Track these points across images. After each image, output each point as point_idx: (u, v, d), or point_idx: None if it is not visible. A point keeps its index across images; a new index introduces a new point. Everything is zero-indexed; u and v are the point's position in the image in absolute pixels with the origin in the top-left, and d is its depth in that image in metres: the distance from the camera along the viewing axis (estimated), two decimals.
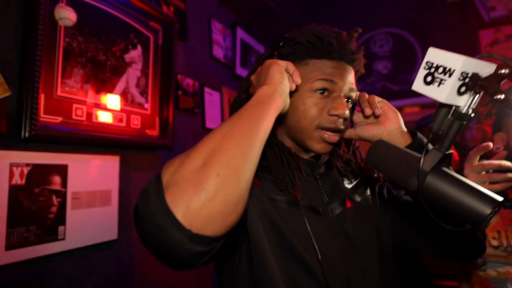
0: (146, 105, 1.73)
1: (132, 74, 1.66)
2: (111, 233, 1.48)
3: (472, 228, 0.78)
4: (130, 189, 1.61)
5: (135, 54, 1.68)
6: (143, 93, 1.72)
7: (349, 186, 0.88)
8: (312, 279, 0.70)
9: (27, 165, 1.20)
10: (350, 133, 0.83)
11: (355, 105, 0.86)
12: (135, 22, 1.69)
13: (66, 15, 1.33)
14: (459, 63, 0.50)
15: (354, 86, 0.79)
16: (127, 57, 1.64)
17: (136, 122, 1.66)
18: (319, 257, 0.71)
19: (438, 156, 0.55)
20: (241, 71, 2.80)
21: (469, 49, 3.17)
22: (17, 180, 1.17)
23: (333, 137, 0.77)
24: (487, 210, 0.50)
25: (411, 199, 0.90)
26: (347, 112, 0.76)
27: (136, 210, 0.51)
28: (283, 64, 0.69)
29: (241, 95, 0.85)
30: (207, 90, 2.32)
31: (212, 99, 2.38)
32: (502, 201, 0.51)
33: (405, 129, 0.79)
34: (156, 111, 1.78)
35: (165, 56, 1.84)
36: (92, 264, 1.40)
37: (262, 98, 0.60)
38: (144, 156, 1.73)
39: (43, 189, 1.24)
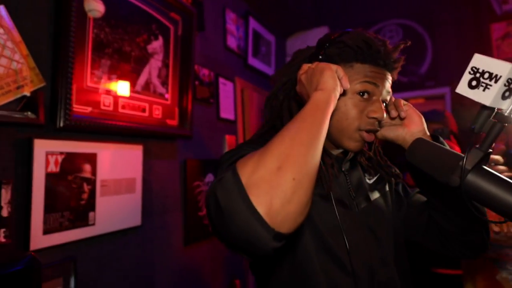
0: (166, 96, 1.76)
1: (154, 64, 1.69)
2: (135, 219, 1.54)
3: (483, 221, 0.83)
4: (151, 178, 1.66)
5: (157, 45, 1.70)
6: (164, 83, 1.75)
7: (370, 182, 0.94)
8: (340, 268, 0.77)
9: (61, 153, 1.24)
10: (376, 134, 0.87)
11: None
12: (157, 13, 1.71)
13: (95, 7, 1.35)
14: (507, 70, 0.53)
15: (390, 92, 0.83)
16: (150, 48, 1.66)
17: (157, 112, 1.69)
18: (347, 248, 0.77)
19: (479, 155, 0.59)
20: (252, 61, 2.82)
21: (479, 42, 3.17)
22: (52, 168, 1.21)
23: (371, 137, 0.81)
24: None
25: (423, 197, 0.94)
26: (384, 115, 0.80)
27: (217, 204, 0.55)
28: (333, 68, 0.71)
29: (278, 89, 0.88)
30: (221, 80, 2.35)
31: (226, 89, 2.41)
32: None
33: (427, 133, 0.83)
34: (175, 101, 1.82)
35: (184, 46, 1.87)
36: (118, 248, 1.46)
37: (320, 103, 0.64)
38: (164, 145, 1.77)
39: (75, 176, 1.29)
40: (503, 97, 0.56)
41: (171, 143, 1.82)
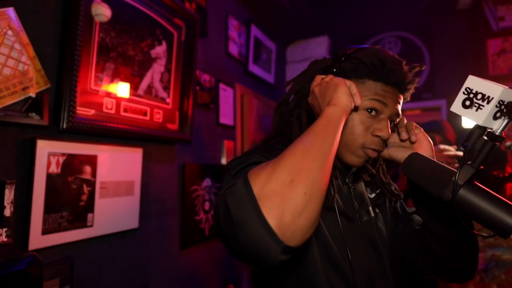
0: (168, 100, 1.79)
1: (157, 69, 1.72)
2: (133, 222, 1.55)
3: (473, 248, 0.85)
4: (150, 181, 1.68)
5: (160, 50, 1.73)
6: (166, 88, 1.78)
7: (372, 196, 0.96)
8: (342, 278, 0.78)
9: (63, 154, 1.26)
10: (383, 152, 0.87)
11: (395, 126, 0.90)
12: (162, 19, 1.74)
13: (102, 11, 1.38)
14: (498, 92, 0.56)
15: (399, 112, 0.84)
16: (153, 52, 1.69)
17: (158, 116, 1.72)
18: (350, 259, 0.79)
19: (471, 171, 0.62)
20: (253, 68, 2.85)
21: (476, 57, 3.24)
22: (54, 168, 1.23)
23: (374, 154, 0.82)
24: None
25: (420, 218, 0.95)
26: (390, 135, 0.80)
27: (227, 213, 0.56)
28: (347, 83, 0.73)
29: (290, 97, 0.90)
30: (222, 86, 2.38)
31: (226, 95, 2.43)
32: None
33: (434, 158, 0.84)
34: (176, 106, 1.84)
35: (186, 52, 1.90)
36: (115, 250, 1.48)
37: (332, 119, 0.66)
38: (164, 149, 1.79)
39: (75, 178, 1.31)
40: (495, 118, 0.59)
41: (171, 146, 1.84)
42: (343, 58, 0.82)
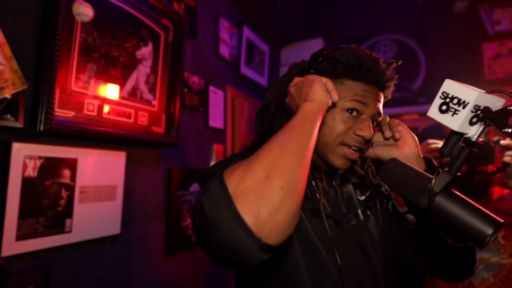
0: (153, 102, 1.75)
1: (142, 71, 1.68)
2: (114, 227, 1.51)
3: (471, 248, 0.83)
4: (134, 185, 1.64)
5: (146, 51, 1.70)
6: (152, 90, 1.74)
7: (361, 198, 0.94)
8: (332, 284, 0.76)
9: (40, 158, 1.22)
10: (368, 152, 0.86)
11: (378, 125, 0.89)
12: (148, 19, 1.70)
13: (84, 11, 1.34)
14: (473, 97, 0.53)
15: (381, 111, 0.83)
16: (138, 53, 1.66)
17: (143, 119, 1.68)
18: (339, 264, 0.77)
19: (447, 178, 0.59)
20: (245, 70, 2.82)
21: (472, 61, 3.21)
22: (30, 172, 1.19)
23: (354, 155, 0.81)
24: (489, 230, 0.54)
25: (413, 218, 0.94)
26: (372, 134, 0.79)
27: (202, 214, 0.54)
28: (323, 80, 0.72)
29: (271, 101, 0.88)
30: (212, 88, 2.35)
31: (216, 98, 2.40)
32: (502, 222, 0.56)
33: (421, 155, 0.83)
34: (163, 109, 1.81)
35: (174, 53, 1.86)
36: (95, 257, 1.44)
37: (308, 114, 0.64)
38: (149, 153, 1.75)
39: (53, 182, 1.27)
40: (471, 123, 0.56)
41: (156, 150, 1.80)
42: (320, 59, 0.81)
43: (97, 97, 1.44)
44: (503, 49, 3.04)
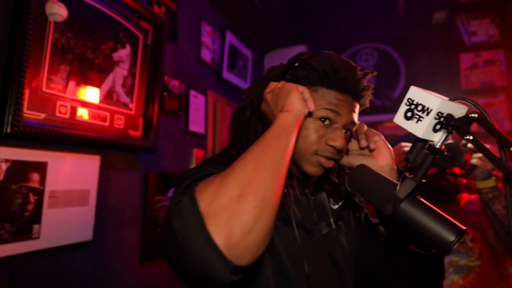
0: (130, 105, 1.72)
1: (119, 73, 1.65)
2: (86, 234, 1.47)
3: (438, 261, 0.84)
4: (108, 190, 1.60)
5: (123, 53, 1.67)
6: (129, 93, 1.71)
7: (335, 207, 0.92)
8: None
9: (6, 161, 1.18)
10: (343, 160, 0.85)
11: (352, 134, 0.88)
12: (126, 21, 1.68)
13: (57, 11, 1.31)
14: (436, 104, 0.53)
15: (355, 120, 0.81)
16: (115, 56, 1.62)
17: (119, 122, 1.65)
18: (307, 274, 0.75)
19: (412, 185, 0.59)
20: (227, 75, 2.81)
21: (450, 70, 3.29)
22: None
23: (329, 163, 0.79)
24: (452, 237, 0.54)
25: (384, 230, 0.93)
26: (343, 145, 0.78)
27: (171, 232, 0.52)
28: (300, 89, 0.70)
29: (246, 105, 0.86)
30: (192, 92, 2.32)
31: (197, 102, 2.38)
32: (464, 230, 0.56)
33: (395, 167, 0.82)
34: (140, 112, 1.77)
35: (153, 56, 1.84)
36: (65, 265, 1.38)
37: (285, 126, 0.63)
38: (125, 157, 1.72)
39: (20, 186, 1.22)
40: (434, 130, 0.56)
41: (133, 154, 1.76)
42: (296, 64, 0.80)
43: (70, 99, 1.40)
44: (479, 60, 3.13)
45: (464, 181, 1.54)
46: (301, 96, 0.69)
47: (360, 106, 0.85)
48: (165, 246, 0.56)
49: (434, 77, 3.41)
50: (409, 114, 0.58)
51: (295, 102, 0.67)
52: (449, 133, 0.55)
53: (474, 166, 1.33)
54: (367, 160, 0.82)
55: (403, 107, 0.59)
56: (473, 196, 1.57)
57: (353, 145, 0.86)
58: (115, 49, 1.62)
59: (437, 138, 0.57)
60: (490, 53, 3.10)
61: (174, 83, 2.12)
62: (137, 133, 1.75)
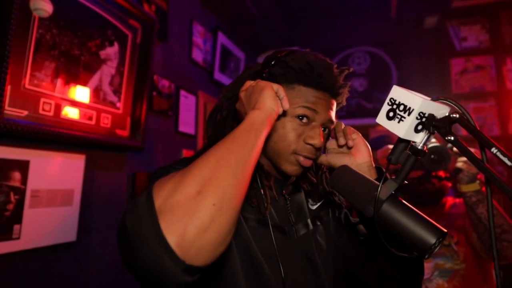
0: (118, 104, 1.69)
1: (107, 71, 1.62)
2: (69, 234, 1.43)
3: (418, 261, 0.83)
4: (94, 190, 1.57)
5: (111, 51, 1.64)
6: (116, 91, 1.68)
7: (313, 208, 0.91)
8: None
9: None
10: (321, 159, 0.85)
11: (330, 132, 0.88)
12: (114, 19, 1.65)
13: (42, 6, 1.28)
14: (418, 104, 0.52)
15: (333, 118, 0.81)
16: (103, 53, 1.60)
17: (106, 121, 1.62)
18: (283, 277, 0.73)
19: (394, 186, 0.57)
20: (219, 76, 2.80)
21: (440, 75, 3.32)
22: None
23: (307, 162, 0.79)
24: (433, 239, 0.53)
25: (364, 229, 0.92)
26: (322, 143, 0.78)
27: (124, 231, 0.49)
28: (274, 87, 0.69)
29: (223, 104, 0.85)
30: (183, 93, 2.30)
31: (187, 103, 2.36)
32: (446, 232, 0.55)
33: (373, 164, 0.82)
34: (128, 111, 1.75)
35: (142, 55, 1.82)
36: (47, 266, 1.35)
37: (254, 123, 0.61)
38: (112, 157, 1.69)
39: (1, 185, 1.19)
40: (416, 130, 0.55)
41: (120, 154, 1.74)
42: (272, 62, 0.79)
43: (54, 97, 1.38)
44: (469, 65, 3.16)
45: (449, 184, 1.55)
46: (274, 94, 0.68)
47: (337, 104, 0.85)
48: (119, 247, 0.52)
49: (425, 81, 3.43)
50: (391, 114, 0.57)
51: (267, 100, 0.66)
52: (430, 133, 0.54)
53: (459, 170, 1.33)
54: (345, 158, 0.82)
55: (385, 107, 0.58)
56: (457, 200, 1.57)
57: (331, 143, 0.86)
58: (103, 46, 1.60)
59: (419, 139, 0.56)
60: (480, 59, 3.12)
61: (164, 83, 2.10)
62: (124, 133, 1.72)
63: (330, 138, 0.87)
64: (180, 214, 0.47)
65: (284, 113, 0.74)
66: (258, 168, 0.81)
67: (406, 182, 0.59)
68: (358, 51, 3.85)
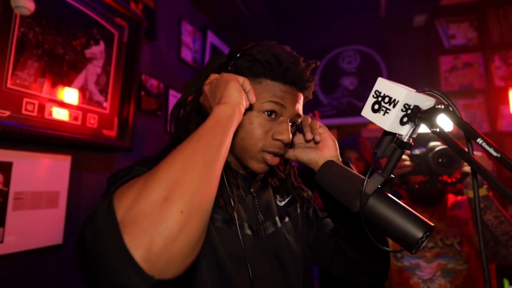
0: (105, 104, 1.66)
1: (92, 70, 1.59)
2: (56, 237, 1.40)
3: (385, 252, 0.82)
4: (80, 192, 1.54)
5: (96, 50, 1.62)
6: (103, 91, 1.65)
7: (281, 204, 0.89)
8: None
9: None
10: (289, 154, 0.83)
11: (298, 128, 0.87)
12: (99, 17, 1.63)
13: (23, 4, 1.25)
14: (403, 95, 0.51)
15: (300, 113, 0.80)
16: (88, 52, 1.57)
17: (92, 121, 1.59)
18: (251, 277, 0.72)
19: (380, 180, 0.56)
20: None
21: (430, 73, 3.34)
22: None
23: (275, 160, 0.77)
24: (420, 233, 0.52)
25: (331, 223, 0.91)
26: (290, 138, 0.76)
27: (82, 246, 0.45)
28: (240, 80, 0.67)
29: (186, 98, 0.81)
30: (172, 92, 2.28)
31: None
32: (433, 226, 0.54)
33: (340, 158, 0.81)
34: (115, 111, 1.72)
35: (129, 54, 1.79)
36: (33, 270, 1.32)
37: (221, 119, 0.58)
38: (99, 157, 1.66)
39: None
40: (401, 123, 0.54)
41: (108, 155, 1.71)
42: (238, 55, 0.76)
43: (38, 97, 1.34)
44: (458, 63, 3.18)
45: (451, 188, 1.49)
46: (240, 87, 0.65)
47: (304, 98, 0.83)
48: (77, 261, 0.48)
49: (415, 79, 3.45)
50: (376, 106, 0.55)
51: (234, 94, 0.63)
52: (416, 125, 0.53)
53: (466, 174, 1.27)
54: (313, 152, 0.81)
55: (370, 100, 0.57)
56: (459, 197, 1.52)
57: (299, 138, 0.84)
58: (88, 45, 1.57)
59: (405, 132, 0.55)
60: (469, 56, 3.15)
61: (153, 82, 2.07)
62: (111, 133, 1.69)
63: (297, 132, 0.85)
64: (145, 225, 0.43)
65: (250, 107, 0.71)
66: (225, 166, 0.78)
67: (392, 176, 0.58)
68: (348, 50, 3.86)
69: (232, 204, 0.74)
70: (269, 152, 0.76)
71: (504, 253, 1.26)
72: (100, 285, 0.45)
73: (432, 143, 1.32)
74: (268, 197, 0.87)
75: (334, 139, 0.81)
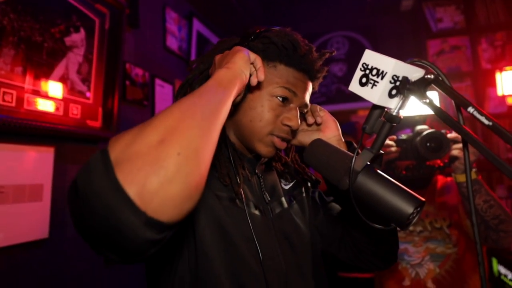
0: (88, 94, 1.61)
1: (73, 59, 1.54)
2: (41, 231, 1.37)
3: (393, 231, 0.82)
4: (65, 184, 1.50)
5: (77, 37, 1.56)
6: (85, 80, 1.60)
7: (286, 187, 0.89)
8: (253, 278, 0.69)
9: None
10: (292, 140, 0.84)
11: (304, 116, 0.86)
12: (78, 3, 1.56)
13: None
14: (391, 66, 0.49)
15: (308, 102, 0.80)
16: (68, 40, 1.51)
17: (75, 111, 1.54)
18: (261, 257, 0.71)
19: (369, 156, 0.55)
20: None
21: (418, 57, 3.30)
22: None
23: (283, 144, 0.78)
24: (410, 209, 0.51)
25: (338, 206, 0.92)
26: (299, 125, 0.77)
27: (74, 189, 0.43)
28: (251, 55, 0.66)
29: (195, 77, 0.79)
30: (158, 81, 2.23)
31: (163, 92, 2.29)
32: (423, 201, 0.53)
33: (342, 139, 0.82)
34: (99, 101, 1.67)
35: (112, 42, 1.73)
36: (18, 265, 1.28)
37: (222, 81, 0.57)
38: (84, 149, 1.61)
39: None
40: (390, 95, 0.52)
41: (92, 146, 1.66)
42: (252, 37, 0.75)
43: (16, 86, 1.29)
44: (446, 46, 3.18)
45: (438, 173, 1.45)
46: (247, 59, 0.64)
47: (312, 89, 0.83)
48: (70, 206, 0.46)
49: None
50: (364, 79, 0.53)
51: (239, 62, 0.62)
52: (405, 97, 0.51)
53: (454, 158, 1.22)
54: (315, 134, 0.82)
55: (357, 73, 0.55)
56: (449, 178, 1.47)
57: (301, 124, 0.85)
58: (67, 33, 1.51)
59: (394, 105, 0.53)
60: (456, 39, 3.15)
61: (138, 71, 2.02)
62: (96, 124, 1.65)
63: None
64: (140, 163, 0.41)
65: (259, 86, 0.70)
66: (230, 147, 0.78)
67: (382, 151, 0.56)
68: (337, 36, 3.84)
69: (238, 182, 0.73)
70: (278, 136, 0.76)
71: (494, 238, 1.23)
72: (90, 225, 0.42)
73: (419, 127, 1.28)
74: (274, 179, 0.87)
75: (335, 120, 0.82)
